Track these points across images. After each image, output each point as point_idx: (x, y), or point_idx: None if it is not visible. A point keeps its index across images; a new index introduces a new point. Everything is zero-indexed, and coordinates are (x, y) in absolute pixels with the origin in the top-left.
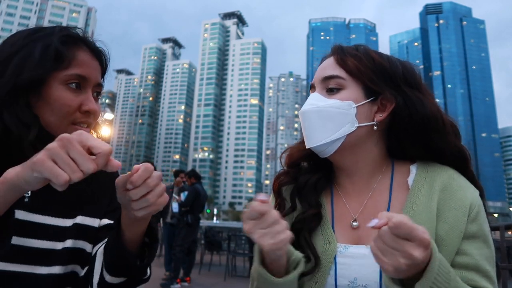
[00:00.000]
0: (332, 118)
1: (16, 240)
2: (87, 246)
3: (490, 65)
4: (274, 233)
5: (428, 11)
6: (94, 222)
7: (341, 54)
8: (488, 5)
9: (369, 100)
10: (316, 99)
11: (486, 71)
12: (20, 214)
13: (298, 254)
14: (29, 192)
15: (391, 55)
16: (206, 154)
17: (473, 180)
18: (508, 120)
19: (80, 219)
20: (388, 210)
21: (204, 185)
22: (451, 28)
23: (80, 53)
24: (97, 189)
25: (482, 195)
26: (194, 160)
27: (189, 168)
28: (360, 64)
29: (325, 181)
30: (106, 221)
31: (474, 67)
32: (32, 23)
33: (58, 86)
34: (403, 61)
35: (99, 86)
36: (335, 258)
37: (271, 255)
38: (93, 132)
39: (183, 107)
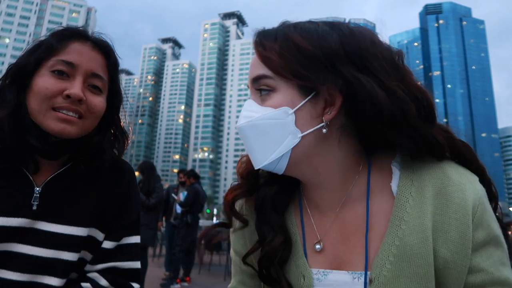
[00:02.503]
0: (268, 133)
1: (20, 248)
2: (88, 256)
3: (490, 65)
4: None
5: (428, 11)
6: (98, 234)
7: (262, 47)
8: (488, 6)
9: (308, 98)
10: (251, 109)
11: (486, 71)
12: (27, 223)
13: None
14: (38, 200)
15: (327, 24)
16: (206, 154)
17: (468, 161)
18: (508, 120)
19: (93, 231)
20: (366, 224)
21: (204, 185)
22: (450, 28)
23: (74, 44)
24: (105, 201)
25: (484, 179)
26: (194, 160)
27: (189, 168)
28: (281, 57)
29: (286, 195)
30: (106, 243)
31: (474, 67)
32: (32, 23)
33: (44, 73)
34: (350, 30)
35: (96, 77)
36: None
37: None
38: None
39: (183, 107)
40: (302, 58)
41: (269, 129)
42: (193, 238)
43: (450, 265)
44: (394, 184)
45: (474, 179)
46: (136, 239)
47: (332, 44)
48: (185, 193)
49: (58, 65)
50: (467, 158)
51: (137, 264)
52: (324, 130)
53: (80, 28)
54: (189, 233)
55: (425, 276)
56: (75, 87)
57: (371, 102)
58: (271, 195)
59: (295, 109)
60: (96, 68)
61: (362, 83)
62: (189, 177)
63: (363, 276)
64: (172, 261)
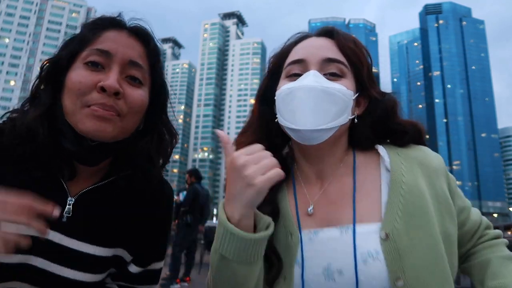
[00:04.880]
0: (336, 104)
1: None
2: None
3: (490, 65)
4: (266, 168)
5: (428, 11)
6: (126, 255)
7: (343, 39)
8: (488, 6)
9: (357, 94)
10: (321, 80)
11: (485, 71)
12: (54, 236)
13: (267, 218)
14: (70, 211)
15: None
16: (206, 154)
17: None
18: (508, 120)
19: (120, 251)
20: (354, 191)
21: (204, 185)
22: (450, 28)
23: (108, 32)
24: (141, 225)
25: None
26: (194, 160)
27: (189, 168)
28: (361, 55)
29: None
30: (133, 267)
31: (473, 67)
32: (31, 23)
33: (78, 66)
34: None
35: (135, 66)
36: (301, 249)
37: (241, 210)
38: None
39: (182, 107)
40: (369, 65)
41: (338, 102)
42: (193, 238)
43: (442, 211)
44: (385, 156)
45: (436, 153)
46: (161, 264)
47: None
48: (184, 193)
49: (92, 55)
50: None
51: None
52: (355, 120)
53: (115, 16)
54: (189, 233)
55: (429, 224)
56: (110, 78)
57: (388, 109)
58: None
59: (354, 97)
60: (134, 56)
61: (383, 100)
62: (191, 176)
63: (351, 228)
64: (172, 261)
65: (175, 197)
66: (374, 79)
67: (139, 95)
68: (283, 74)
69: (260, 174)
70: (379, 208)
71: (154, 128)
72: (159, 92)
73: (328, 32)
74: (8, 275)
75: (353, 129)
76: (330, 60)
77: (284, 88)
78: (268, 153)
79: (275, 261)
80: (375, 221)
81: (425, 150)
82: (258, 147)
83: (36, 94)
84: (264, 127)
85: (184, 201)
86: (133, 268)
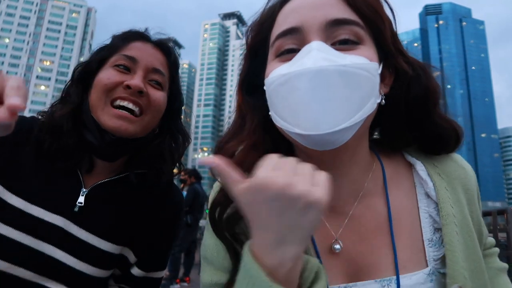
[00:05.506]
0: (360, 87)
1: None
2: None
3: (490, 66)
4: (310, 175)
5: (428, 12)
6: (131, 256)
7: None
8: (488, 6)
9: (382, 64)
10: (331, 54)
11: (485, 72)
12: (65, 223)
13: (312, 258)
14: (82, 201)
15: None
16: (206, 154)
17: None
18: (508, 121)
19: (126, 251)
20: (389, 217)
21: (203, 185)
22: (450, 29)
23: (135, 43)
24: (147, 225)
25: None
26: (194, 160)
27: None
28: (379, 7)
29: None
30: (136, 270)
31: (473, 67)
32: (32, 23)
33: (107, 68)
34: None
35: (157, 72)
36: None
37: (298, 251)
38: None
39: (182, 107)
40: (389, 21)
41: (362, 83)
42: (193, 238)
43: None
44: (427, 179)
45: (464, 160)
46: (162, 274)
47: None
48: (185, 193)
49: (120, 60)
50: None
51: None
52: (383, 102)
53: (142, 31)
54: (189, 233)
55: (483, 267)
56: (136, 79)
57: (426, 84)
58: None
59: (380, 70)
60: (157, 64)
61: (427, 71)
62: (190, 176)
63: (394, 282)
64: (172, 261)
65: None
66: (399, 41)
67: (160, 95)
68: (272, 52)
69: (311, 185)
70: (423, 249)
71: (168, 131)
72: (175, 98)
73: None
74: (15, 261)
75: (376, 120)
76: (338, 22)
77: (276, 75)
78: (292, 158)
79: None
80: (421, 267)
81: (463, 165)
82: (274, 156)
83: (67, 94)
84: (260, 127)
85: (184, 201)
86: (136, 271)
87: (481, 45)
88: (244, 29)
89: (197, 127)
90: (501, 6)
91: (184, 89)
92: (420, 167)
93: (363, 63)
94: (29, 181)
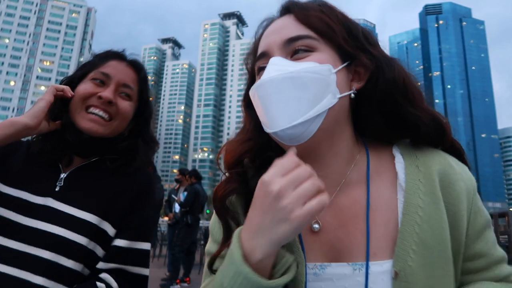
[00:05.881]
0: (309, 88)
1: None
2: (98, 251)
3: (490, 66)
4: (306, 196)
5: (428, 12)
6: (110, 229)
7: (303, 10)
8: (488, 6)
9: (347, 63)
10: (284, 63)
11: (485, 72)
12: (47, 201)
13: (289, 256)
14: (62, 182)
15: None
16: (206, 154)
17: (455, 149)
18: (508, 121)
19: (105, 225)
20: (367, 205)
21: (203, 185)
22: (450, 29)
23: (112, 61)
24: (121, 194)
25: (462, 157)
26: (194, 161)
27: (189, 168)
28: (331, 21)
29: None
30: (118, 241)
31: (473, 67)
32: (31, 23)
33: (86, 81)
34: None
35: (127, 87)
36: (305, 284)
37: (267, 249)
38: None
39: (182, 107)
40: (347, 28)
41: (311, 84)
42: (193, 238)
43: (460, 251)
44: (400, 171)
45: (465, 168)
46: (147, 245)
47: (357, 25)
48: (185, 193)
49: (97, 75)
50: (455, 145)
51: (145, 271)
52: (352, 95)
53: (119, 51)
54: (189, 234)
55: (446, 262)
56: (107, 91)
57: (393, 77)
58: None
59: (337, 69)
60: (128, 80)
61: (386, 58)
62: (190, 176)
63: (365, 267)
64: (172, 262)
65: (175, 198)
66: (362, 40)
67: (127, 105)
68: (256, 72)
69: (300, 205)
70: (396, 239)
71: (139, 135)
72: (144, 108)
73: (285, 8)
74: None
75: (358, 112)
76: (292, 40)
77: (250, 91)
78: (308, 170)
79: None
80: (391, 257)
81: (454, 165)
82: (293, 161)
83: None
84: (256, 130)
85: (184, 201)
86: (119, 242)
87: (481, 45)
88: (244, 29)
89: (197, 127)
90: (501, 6)
91: (184, 89)
92: (398, 159)
93: (312, 67)
94: (19, 173)
